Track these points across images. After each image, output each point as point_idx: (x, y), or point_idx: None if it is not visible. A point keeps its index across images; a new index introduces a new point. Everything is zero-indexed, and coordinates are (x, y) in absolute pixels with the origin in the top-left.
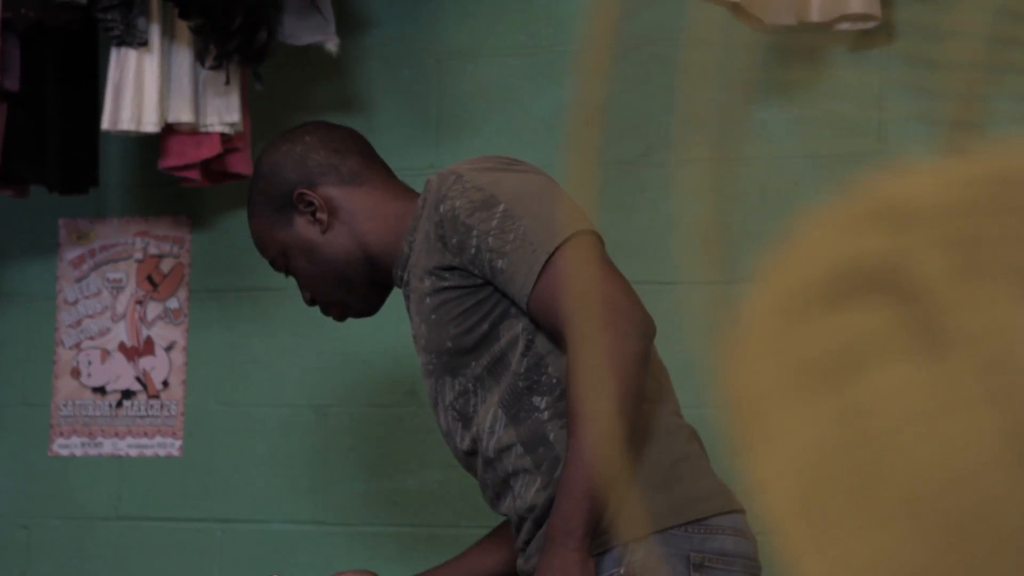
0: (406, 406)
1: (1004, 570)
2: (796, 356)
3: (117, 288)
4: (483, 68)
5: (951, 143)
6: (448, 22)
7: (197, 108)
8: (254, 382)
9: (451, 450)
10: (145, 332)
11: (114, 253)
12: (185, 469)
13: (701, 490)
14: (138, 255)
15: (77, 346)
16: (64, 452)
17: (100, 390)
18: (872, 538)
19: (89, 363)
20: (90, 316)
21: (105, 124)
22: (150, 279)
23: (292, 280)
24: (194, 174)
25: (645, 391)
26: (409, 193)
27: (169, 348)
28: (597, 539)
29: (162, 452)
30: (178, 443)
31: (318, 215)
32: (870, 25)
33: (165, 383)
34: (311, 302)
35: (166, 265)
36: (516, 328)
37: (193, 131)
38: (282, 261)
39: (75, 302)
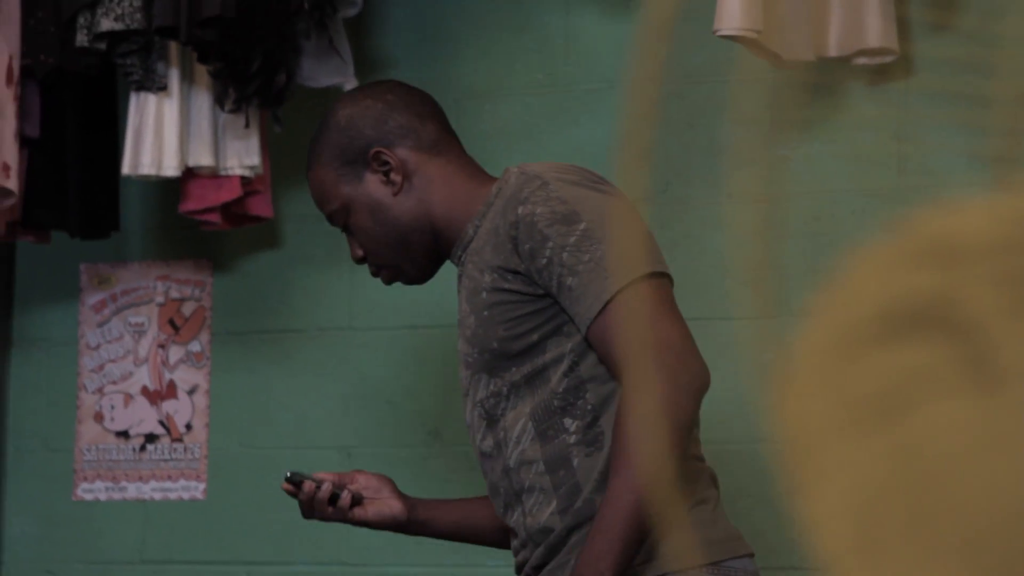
0: (429, 446)
1: None
2: (848, 393)
3: (139, 332)
4: (502, 107)
5: (999, 179)
6: (466, 62)
7: (217, 152)
8: (277, 424)
9: (470, 441)
10: (168, 376)
11: (136, 297)
12: (209, 512)
13: (719, 533)
14: (159, 299)
15: (100, 391)
16: (88, 497)
17: (123, 434)
18: (927, 575)
19: (112, 407)
20: (112, 360)
21: (125, 169)
22: (172, 323)
23: (315, 320)
24: (215, 217)
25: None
26: (483, 175)
27: (192, 391)
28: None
29: (186, 495)
30: (202, 486)
31: (392, 176)
32: (888, 59)
33: (188, 426)
34: (361, 260)
35: (188, 308)
36: (564, 347)
37: (213, 174)
38: (342, 216)
39: (97, 347)
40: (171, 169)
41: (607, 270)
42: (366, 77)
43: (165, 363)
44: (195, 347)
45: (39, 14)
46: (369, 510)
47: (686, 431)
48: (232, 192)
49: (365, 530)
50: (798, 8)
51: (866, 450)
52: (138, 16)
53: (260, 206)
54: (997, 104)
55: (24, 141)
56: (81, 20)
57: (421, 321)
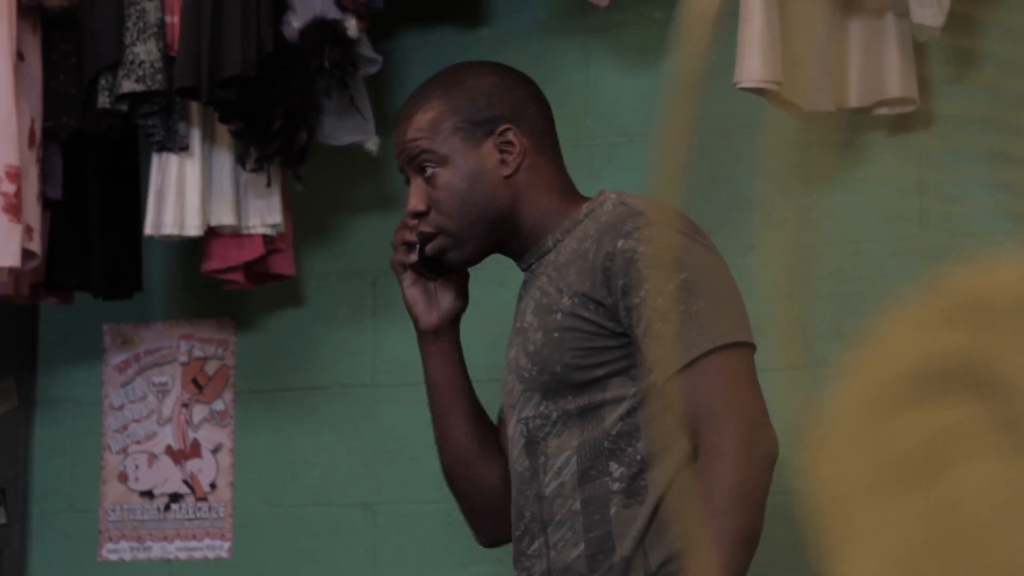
0: (453, 502)
1: None
2: (882, 453)
3: (163, 392)
4: None
5: None
6: None
7: (239, 210)
8: (302, 482)
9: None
10: (192, 435)
11: (159, 357)
12: (235, 571)
13: None
14: (183, 358)
15: (124, 451)
16: (113, 557)
17: (148, 494)
18: None
19: (136, 467)
20: (136, 420)
21: (148, 229)
22: (195, 382)
23: (338, 377)
24: (237, 276)
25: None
26: (575, 193)
27: (216, 450)
28: None
29: (211, 555)
30: (227, 545)
31: (509, 158)
32: (909, 109)
33: (213, 485)
34: (418, 214)
35: (211, 367)
36: (627, 389)
37: (235, 233)
38: (432, 162)
39: (121, 407)
40: (193, 229)
41: (701, 327)
42: (387, 135)
43: (189, 422)
44: (219, 406)
45: (60, 76)
46: (429, 285)
47: (761, 505)
48: (254, 251)
49: None
50: (818, 60)
51: (900, 510)
52: (159, 77)
53: (282, 264)
54: None
55: (47, 203)
56: (102, 82)
57: None
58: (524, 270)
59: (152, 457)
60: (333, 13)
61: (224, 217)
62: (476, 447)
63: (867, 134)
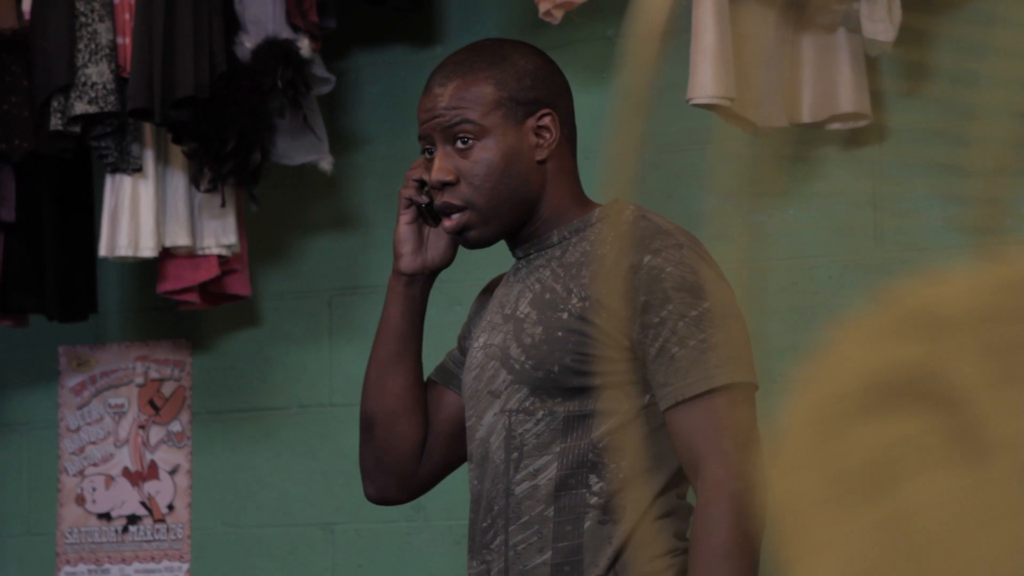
0: (412, 520)
1: None
2: (835, 467)
3: (119, 413)
4: None
5: (980, 248)
6: None
7: (194, 231)
8: (260, 502)
9: (469, 437)
10: (149, 456)
11: (115, 379)
12: None
13: None
14: (139, 380)
15: (81, 473)
16: None
17: (105, 516)
18: None
19: (93, 489)
20: (93, 442)
21: (102, 251)
22: (152, 403)
23: (295, 398)
24: (192, 297)
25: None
26: (584, 194)
27: (173, 471)
28: None
29: None
30: (185, 566)
31: (545, 144)
32: (861, 124)
33: (170, 507)
34: (444, 184)
35: (167, 388)
36: (619, 405)
37: (190, 254)
38: (471, 133)
39: (77, 429)
40: (148, 250)
41: (717, 360)
42: (340, 154)
43: (146, 444)
44: (176, 427)
45: (12, 99)
46: (424, 230)
47: (757, 551)
48: (209, 271)
49: None
50: (771, 76)
51: (855, 523)
52: (112, 98)
53: (238, 285)
54: (977, 174)
55: (0, 226)
56: (55, 104)
57: None
58: (520, 258)
59: (109, 479)
60: (286, 33)
61: (179, 238)
62: (410, 403)
63: (820, 149)
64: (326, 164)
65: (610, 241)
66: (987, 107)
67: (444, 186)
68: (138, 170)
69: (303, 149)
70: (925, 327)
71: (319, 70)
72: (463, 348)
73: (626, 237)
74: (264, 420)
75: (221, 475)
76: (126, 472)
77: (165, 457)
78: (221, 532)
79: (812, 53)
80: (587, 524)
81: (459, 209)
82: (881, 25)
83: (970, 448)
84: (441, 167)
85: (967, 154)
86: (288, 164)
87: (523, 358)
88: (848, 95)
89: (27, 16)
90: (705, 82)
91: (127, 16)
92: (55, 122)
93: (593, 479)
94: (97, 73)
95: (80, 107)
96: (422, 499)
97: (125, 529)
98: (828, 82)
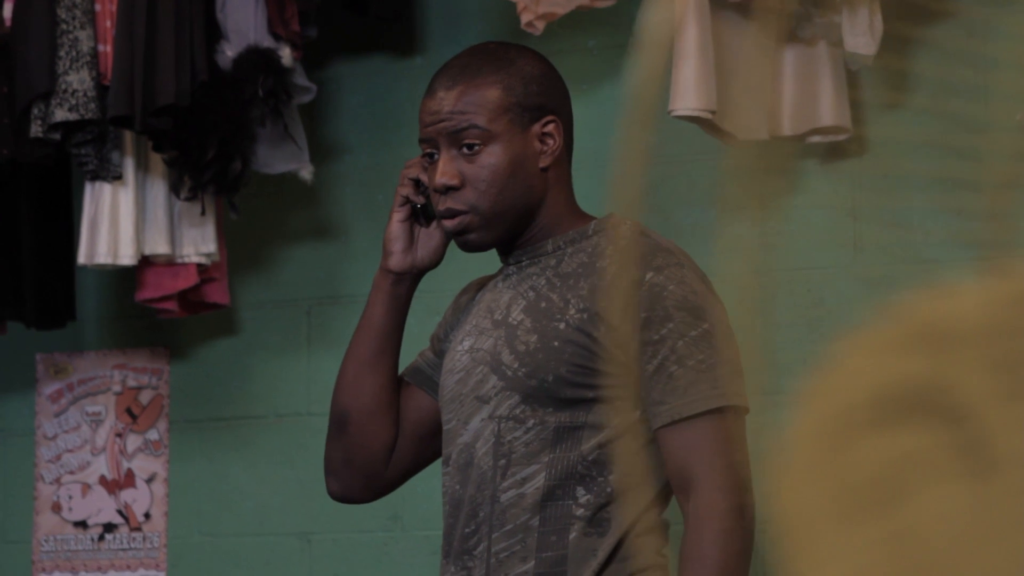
0: (390, 531)
1: None
2: (842, 481)
3: (96, 421)
4: None
5: (988, 264)
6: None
7: (173, 239)
8: (237, 511)
9: (448, 440)
10: (126, 464)
11: (92, 386)
12: None
13: None
14: (117, 388)
15: (57, 481)
16: None
17: (82, 524)
18: None
19: (70, 497)
20: (70, 450)
21: (81, 259)
22: (129, 411)
23: (273, 407)
24: (171, 305)
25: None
26: (578, 207)
27: (150, 480)
28: None
29: None
30: (162, 575)
31: (548, 151)
32: (841, 137)
33: (147, 515)
34: (447, 188)
35: (145, 397)
36: (608, 419)
37: (169, 262)
38: (477, 137)
39: (54, 437)
40: (127, 258)
41: (716, 383)
42: (321, 163)
43: (123, 452)
44: (153, 435)
45: None
46: (415, 230)
47: (747, 563)
48: (188, 280)
49: None
50: (752, 88)
51: (862, 537)
52: (92, 106)
53: (217, 293)
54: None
55: None
56: (35, 111)
57: None
58: (510, 264)
59: (86, 487)
60: (267, 42)
61: (158, 246)
62: (385, 402)
63: (801, 161)
64: (306, 173)
65: (610, 255)
66: (982, 120)
67: (448, 190)
68: (118, 178)
69: (283, 158)
70: (933, 341)
71: (300, 79)
72: (437, 350)
73: (627, 252)
74: (242, 429)
75: (198, 484)
76: (103, 480)
77: (142, 465)
78: (198, 541)
79: (793, 66)
80: (572, 535)
81: (462, 213)
82: (862, 39)
83: (977, 462)
84: (446, 171)
85: (965, 167)
86: (268, 173)
87: (516, 365)
88: (829, 108)
89: (8, 23)
90: (687, 94)
91: (108, 23)
92: (35, 129)
93: (580, 491)
94: (78, 80)
95: (60, 114)
96: (399, 509)
97: (101, 537)
98: (809, 95)
